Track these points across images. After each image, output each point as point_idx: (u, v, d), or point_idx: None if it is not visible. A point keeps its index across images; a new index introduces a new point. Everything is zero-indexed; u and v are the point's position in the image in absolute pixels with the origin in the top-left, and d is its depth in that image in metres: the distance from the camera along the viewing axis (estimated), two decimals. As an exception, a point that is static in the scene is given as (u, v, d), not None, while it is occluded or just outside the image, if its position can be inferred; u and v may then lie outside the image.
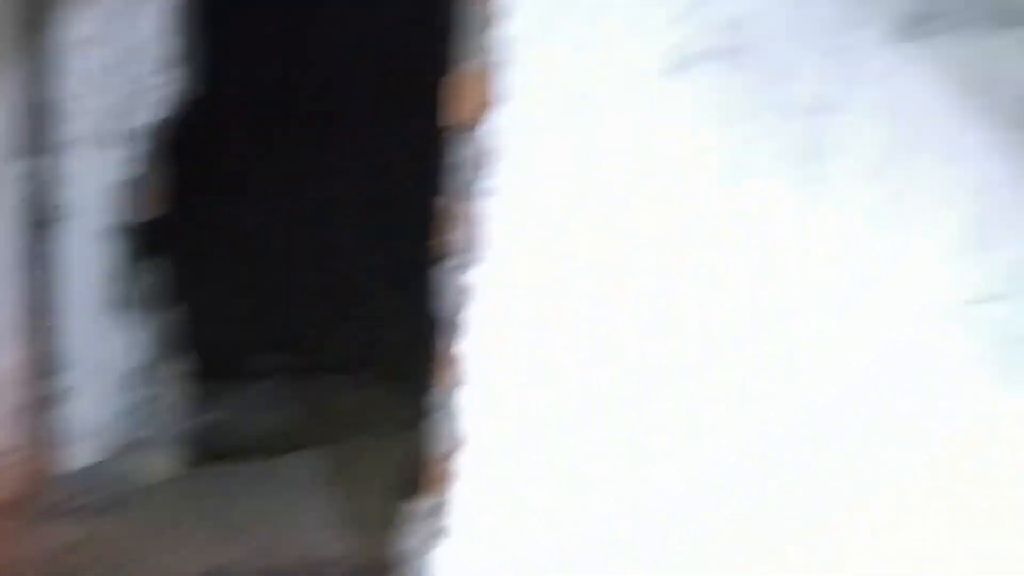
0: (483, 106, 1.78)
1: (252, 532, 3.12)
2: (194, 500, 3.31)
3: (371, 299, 4.98)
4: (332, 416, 4.12)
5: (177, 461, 3.45)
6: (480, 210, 1.64)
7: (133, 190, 3.09)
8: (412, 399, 3.14)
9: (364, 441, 3.88)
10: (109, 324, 3.13)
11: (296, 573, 2.89)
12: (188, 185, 3.38)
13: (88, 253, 3.02)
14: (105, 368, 3.15)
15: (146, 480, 3.34)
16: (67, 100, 2.88)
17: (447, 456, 2.24)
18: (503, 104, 1.61)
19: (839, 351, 1.64)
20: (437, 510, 2.27)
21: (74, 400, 3.08)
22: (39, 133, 2.89)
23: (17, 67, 2.84)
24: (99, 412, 3.15)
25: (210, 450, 3.68)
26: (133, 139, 3.05)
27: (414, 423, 3.42)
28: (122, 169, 3.05)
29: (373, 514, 3.24)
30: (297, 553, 3.00)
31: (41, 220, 2.93)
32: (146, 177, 3.12)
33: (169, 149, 3.18)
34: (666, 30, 1.54)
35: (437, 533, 2.19)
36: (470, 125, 1.94)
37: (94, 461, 3.16)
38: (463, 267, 1.68)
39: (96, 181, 3.00)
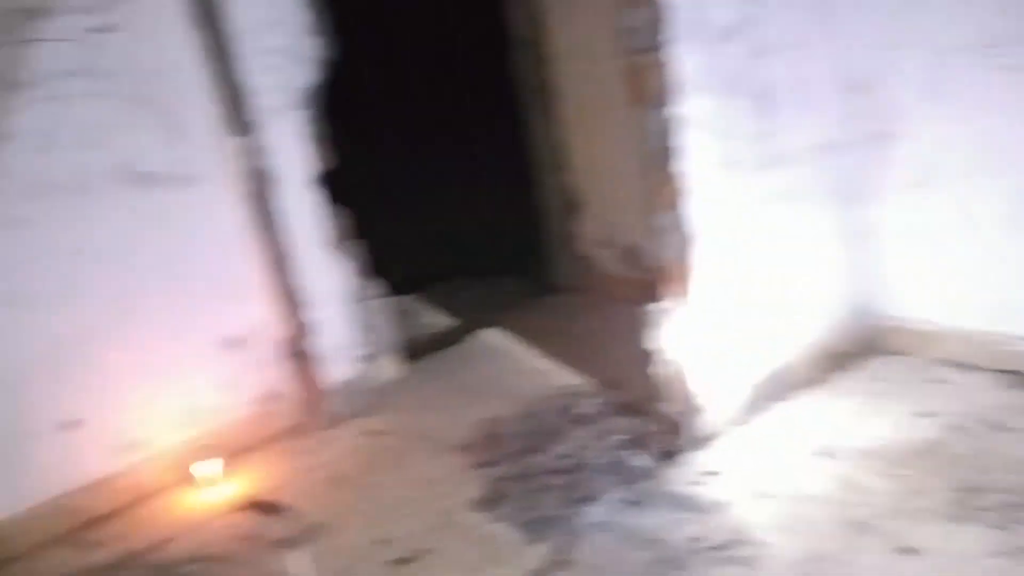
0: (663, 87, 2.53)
1: (494, 390, 3.81)
2: (429, 384, 3.97)
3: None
4: (489, 308, 4.79)
5: (398, 362, 4.11)
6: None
7: (314, 148, 3.64)
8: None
9: (517, 319, 4.56)
10: (329, 261, 3.72)
11: (553, 405, 3.57)
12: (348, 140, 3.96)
13: (299, 204, 3.59)
14: (334, 298, 3.76)
15: (383, 382, 4.00)
16: (254, 79, 3.41)
17: (679, 267, 2.93)
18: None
19: None
20: (674, 309, 2.97)
21: (321, 329, 3.70)
22: (241, 112, 3.42)
23: (208, 58, 3.38)
24: (340, 335, 3.77)
25: (419, 347, 4.35)
26: (304, 104, 3.59)
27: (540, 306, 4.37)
28: (302, 132, 3.59)
29: (575, 358, 3.95)
30: (543, 394, 3.69)
31: (261, 184, 3.49)
32: (317, 136, 3.66)
33: (324, 111, 3.72)
34: None
35: (680, 327, 2.91)
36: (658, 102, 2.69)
37: (345, 377, 3.80)
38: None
39: (290, 144, 3.55)
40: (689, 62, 2.81)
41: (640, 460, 3.04)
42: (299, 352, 3.71)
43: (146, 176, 3.34)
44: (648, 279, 4.23)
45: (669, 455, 3.03)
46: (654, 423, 3.18)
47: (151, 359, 3.41)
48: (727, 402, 3.10)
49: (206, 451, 3.48)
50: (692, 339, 2.99)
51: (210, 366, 3.57)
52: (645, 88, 2.85)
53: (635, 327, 3.93)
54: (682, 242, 2.94)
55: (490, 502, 2.98)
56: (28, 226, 3.12)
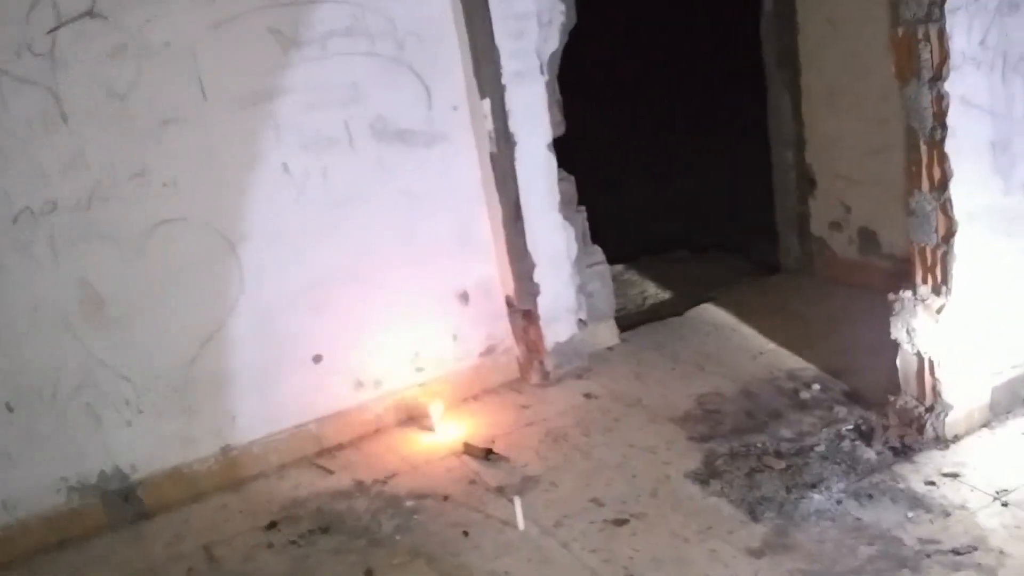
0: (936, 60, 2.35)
1: (712, 365, 3.75)
2: (644, 354, 3.97)
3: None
4: (711, 283, 4.71)
5: (614, 330, 4.13)
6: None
7: (551, 113, 3.70)
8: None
9: (740, 296, 4.44)
10: (557, 224, 3.80)
11: (775, 387, 3.47)
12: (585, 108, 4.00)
13: (535, 167, 3.68)
14: (559, 261, 3.84)
15: (599, 346, 4.04)
16: (502, 43, 3.51)
17: (935, 254, 2.74)
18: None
19: None
20: (925, 298, 2.78)
21: (544, 290, 3.79)
22: (489, 75, 3.54)
23: (462, 22, 3.51)
24: (561, 298, 3.85)
25: (637, 316, 4.37)
26: (548, 70, 3.65)
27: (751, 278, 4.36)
28: (543, 97, 3.67)
29: (800, 341, 3.80)
30: (764, 375, 3.59)
31: (502, 146, 3.60)
32: (555, 101, 3.72)
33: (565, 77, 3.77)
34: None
35: (930, 319, 2.72)
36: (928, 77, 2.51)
37: (564, 339, 3.87)
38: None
39: (531, 109, 3.63)
40: (966, 34, 2.60)
41: (870, 452, 2.90)
42: (523, 310, 3.81)
43: (400, 133, 3.53)
44: (885, 265, 4.03)
45: (904, 451, 2.88)
46: (888, 416, 3.02)
47: (388, 305, 3.62)
48: (974, 402, 2.89)
49: (431, 396, 3.67)
50: (943, 332, 2.80)
51: (440, 316, 3.74)
52: (913, 61, 2.67)
53: (866, 314, 3.73)
54: (942, 228, 2.74)
55: (706, 476, 2.95)
56: (294, 173, 3.38)
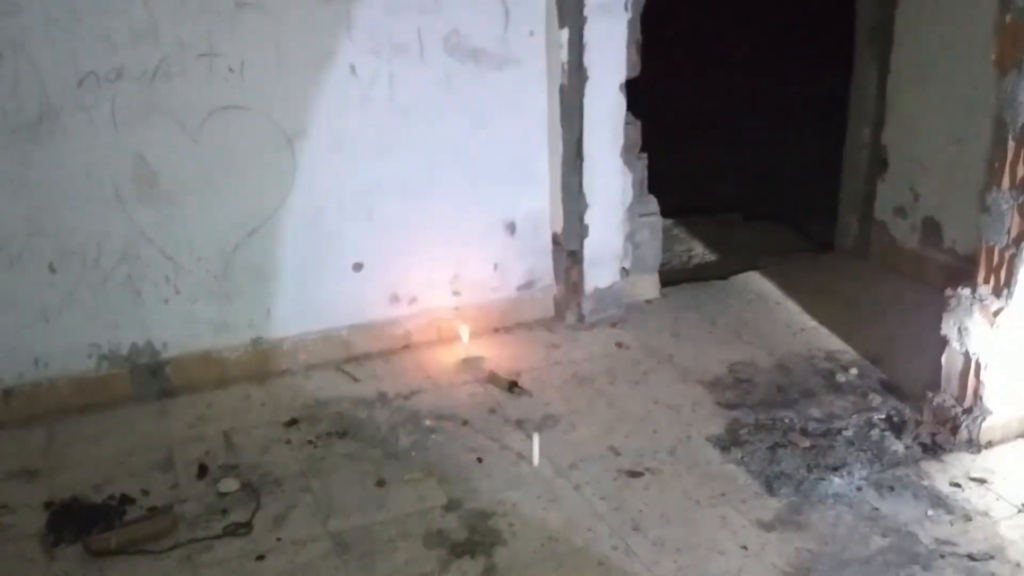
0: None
1: (750, 334, 3.69)
2: (683, 312, 3.91)
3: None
4: (761, 252, 4.61)
5: (656, 283, 4.07)
6: None
7: (628, 52, 3.59)
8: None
9: (788, 270, 4.34)
10: (616, 168, 3.72)
11: (811, 365, 3.41)
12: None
13: (603, 106, 3.59)
14: (613, 205, 3.77)
15: (638, 298, 3.98)
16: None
17: (1005, 254, 2.63)
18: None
19: None
20: (985, 299, 2.68)
21: (592, 233, 3.73)
22: (575, 3, 3.43)
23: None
24: (609, 243, 3.79)
25: (681, 274, 4.30)
26: (630, 7, 3.53)
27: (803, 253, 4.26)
28: (623, 34, 3.55)
29: (843, 323, 3.72)
30: (801, 352, 3.52)
31: (574, 79, 3.51)
32: (634, 40, 3.61)
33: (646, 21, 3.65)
34: None
35: (987, 320, 2.62)
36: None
37: (604, 284, 3.82)
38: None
39: (608, 45, 3.53)
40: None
41: (899, 445, 2.85)
42: (568, 250, 3.76)
43: (472, 51, 3.44)
44: (944, 259, 3.91)
45: (934, 449, 2.82)
46: (923, 412, 2.96)
47: (435, 224, 3.59)
48: (1015, 411, 2.82)
49: (466, 321, 3.65)
50: (997, 336, 2.71)
51: (484, 243, 3.71)
52: (1018, 51, 2.53)
53: (916, 306, 3.65)
54: (1015, 230, 2.63)
55: (728, 443, 2.92)
56: (361, 76, 3.32)
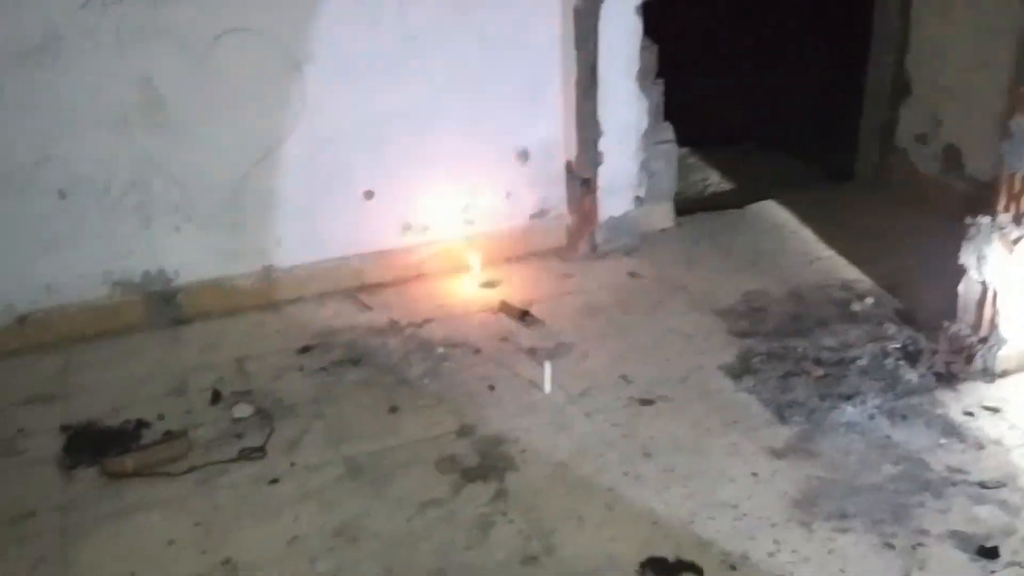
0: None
1: (765, 263, 3.65)
2: (697, 241, 3.87)
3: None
4: (776, 181, 4.54)
5: (671, 212, 4.02)
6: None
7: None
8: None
9: (805, 199, 4.26)
10: (631, 94, 3.64)
11: (825, 294, 3.38)
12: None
13: (619, 29, 3.50)
14: (627, 133, 3.70)
15: (652, 228, 3.94)
16: None
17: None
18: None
19: None
20: (1004, 227, 2.63)
21: (606, 161, 3.67)
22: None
23: None
24: (623, 171, 3.74)
25: (695, 203, 4.25)
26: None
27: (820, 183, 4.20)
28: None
29: (859, 252, 3.66)
30: (816, 281, 3.49)
31: (591, 0, 3.41)
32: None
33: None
34: None
35: (1006, 249, 2.56)
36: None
37: (618, 213, 3.77)
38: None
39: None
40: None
41: (913, 374, 2.83)
42: (581, 178, 3.71)
43: (481, -30, 3.36)
44: (965, 188, 3.84)
45: (948, 378, 2.80)
46: (939, 341, 2.93)
47: (446, 151, 3.54)
48: (1032, 341, 2.79)
49: (478, 250, 3.63)
50: (1015, 265, 2.67)
51: (497, 172, 3.66)
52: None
53: (935, 235, 3.58)
54: (1039, 155, 2.57)
55: (740, 372, 2.91)
56: (363, 9, 3.24)
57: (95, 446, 2.61)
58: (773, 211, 4.16)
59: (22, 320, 3.17)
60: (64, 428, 2.72)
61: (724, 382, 2.87)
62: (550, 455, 2.54)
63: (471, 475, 2.47)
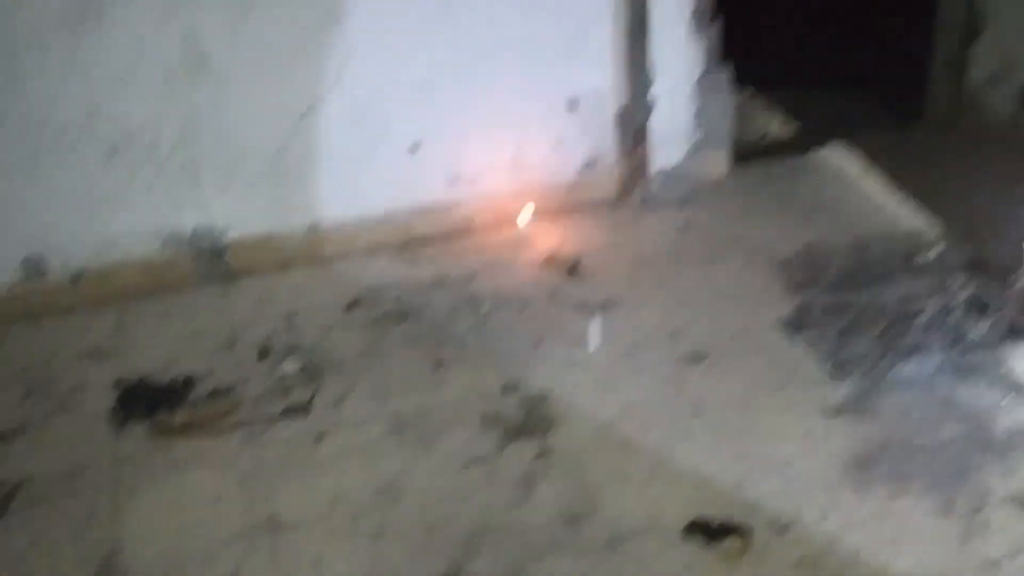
0: None
1: (825, 212, 3.51)
2: (754, 191, 3.74)
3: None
4: (840, 125, 4.34)
5: (727, 160, 3.88)
6: None
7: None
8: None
9: (870, 143, 4.07)
10: (685, 36, 3.50)
11: (889, 244, 3.23)
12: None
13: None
14: (681, 78, 3.57)
15: (707, 177, 3.81)
16: None
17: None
18: None
19: None
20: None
21: (659, 108, 3.55)
22: None
23: None
24: (676, 119, 3.61)
25: (752, 150, 4.09)
26: None
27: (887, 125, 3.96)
28: None
29: (928, 199, 3.49)
30: (879, 231, 3.34)
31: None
32: None
33: None
34: None
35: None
36: None
37: (671, 163, 3.65)
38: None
39: None
40: None
41: (979, 331, 2.69)
42: (633, 127, 3.60)
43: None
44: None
45: (1017, 335, 2.66)
46: (1008, 295, 2.78)
47: (493, 102, 3.45)
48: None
49: (526, 203, 3.56)
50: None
51: (545, 122, 3.56)
52: None
53: (1010, 181, 3.40)
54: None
55: (796, 326, 2.81)
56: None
57: (146, 403, 2.66)
58: (836, 157, 3.98)
59: (76, 278, 3.22)
60: (116, 384, 2.76)
61: (779, 338, 2.77)
62: (596, 413, 2.50)
63: (515, 433, 2.44)
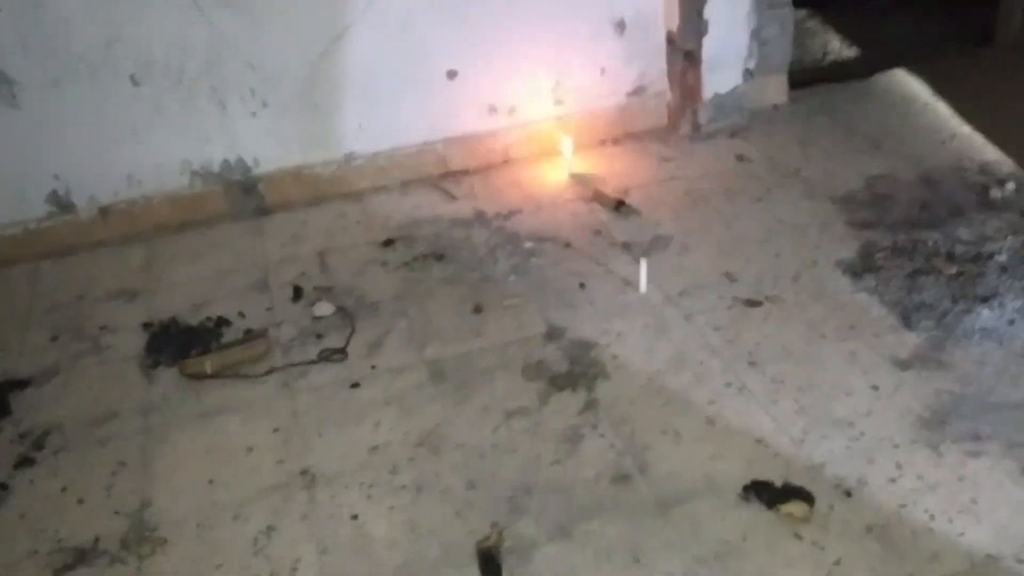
0: None
1: (891, 143, 3.27)
2: (814, 119, 3.50)
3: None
4: (907, 46, 4.05)
5: (784, 87, 3.63)
6: None
7: None
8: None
9: (940, 67, 3.78)
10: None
11: (962, 178, 3.00)
12: None
13: None
14: (735, 1, 3.31)
15: (763, 104, 3.57)
16: None
17: None
18: None
19: None
20: None
21: (712, 30, 3.30)
22: None
23: None
24: (731, 41, 3.36)
25: (812, 74, 3.83)
26: None
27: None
28: None
29: (1004, 129, 3.23)
30: (951, 163, 3.10)
31: None
32: None
33: None
34: None
35: None
36: None
37: (725, 89, 3.42)
38: None
39: None
40: None
41: (1064, 274, 2.49)
42: (684, 50, 3.36)
43: None
44: None
45: (1108, 279, 2.45)
46: (1097, 235, 2.57)
47: (534, 24, 3.23)
48: None
49: (569, 133, 3.37)
50: None
51: (590, 45, 3.34)
52: None
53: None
54: None
55: (860, 269, 2.62)
56: None
57: (176, 345, 2.56)
58: (902, 81, 3.71)
59: (105, 211, 3.11)
60: (146, 325, 2.67)
61: (842, 281, 2.59)
62: (645, 362, 2.35)
63: (559, 383, 2.31)
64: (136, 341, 2.61)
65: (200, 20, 2.94)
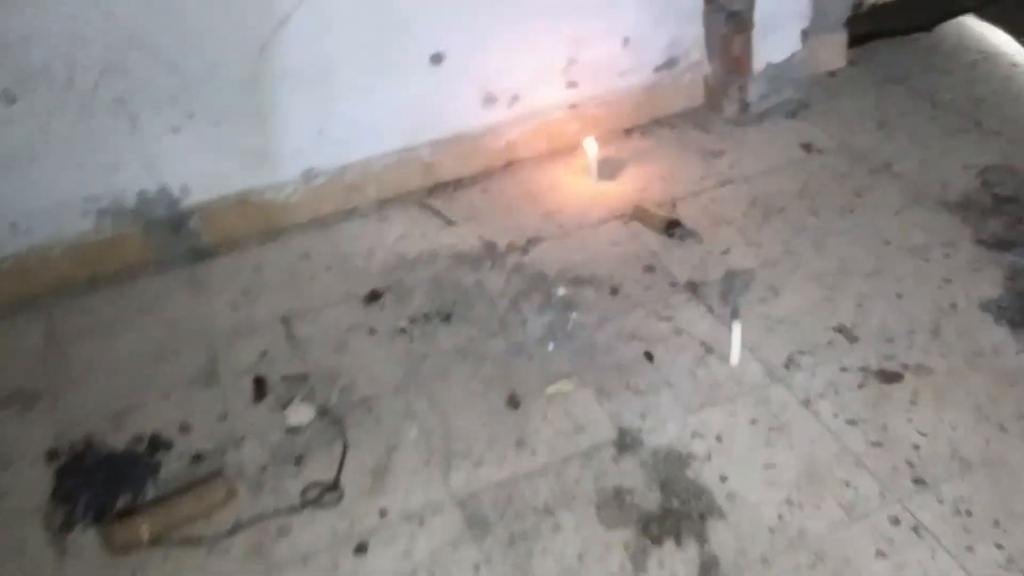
0: None
1: (985, 118, 2.62)
2: (883, 88, 2.82)
3: None
4: None
5: (843, 48, 2.94)
6: None
7: None
8: None
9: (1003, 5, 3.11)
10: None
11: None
12: None
13: None
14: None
15: (817, 72, 2.88)
16: None
17: None
18: None
19: None
20: None
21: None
22: None
23: None
24: (779, 8, 2.64)
25: (874, 28, 3.12)
26: None
27: None
28: None
29: None
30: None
31: None
32: None
33: None
34: None
35: None
36: None
37: (780, 58, 2.71)
38: None
39: None
40: None
41: None
42: (728, 11, 2.63)
43: None
44: None
45: None
46: None
47: (540, -13, 2.48)
48: None
49: (587, 122, 2.64)
50: None
51: (611, 11, 2.60)
52: None
53: None
54: None
55: (1019, 313, 1.97)
56: None
57: (95, 487, 1.82)
58: (975, 31, 3.04)
59: (-17, 273, 2.31)
60: (51, 455, 1.91)
61: (998, 333, 1.94)
62: (768, 486, 1.68)
63: (655, 531, 1.63)
64: (37, 482, 1.85)
65: (93, 8, 2.11)
